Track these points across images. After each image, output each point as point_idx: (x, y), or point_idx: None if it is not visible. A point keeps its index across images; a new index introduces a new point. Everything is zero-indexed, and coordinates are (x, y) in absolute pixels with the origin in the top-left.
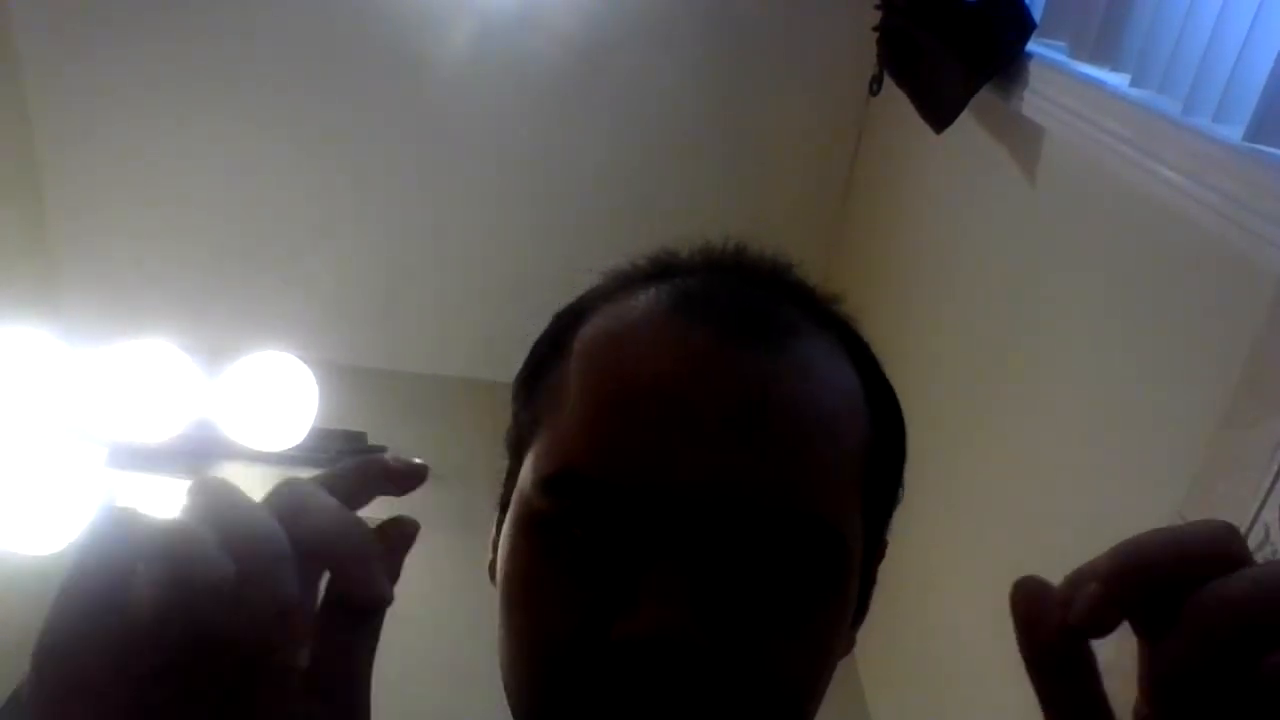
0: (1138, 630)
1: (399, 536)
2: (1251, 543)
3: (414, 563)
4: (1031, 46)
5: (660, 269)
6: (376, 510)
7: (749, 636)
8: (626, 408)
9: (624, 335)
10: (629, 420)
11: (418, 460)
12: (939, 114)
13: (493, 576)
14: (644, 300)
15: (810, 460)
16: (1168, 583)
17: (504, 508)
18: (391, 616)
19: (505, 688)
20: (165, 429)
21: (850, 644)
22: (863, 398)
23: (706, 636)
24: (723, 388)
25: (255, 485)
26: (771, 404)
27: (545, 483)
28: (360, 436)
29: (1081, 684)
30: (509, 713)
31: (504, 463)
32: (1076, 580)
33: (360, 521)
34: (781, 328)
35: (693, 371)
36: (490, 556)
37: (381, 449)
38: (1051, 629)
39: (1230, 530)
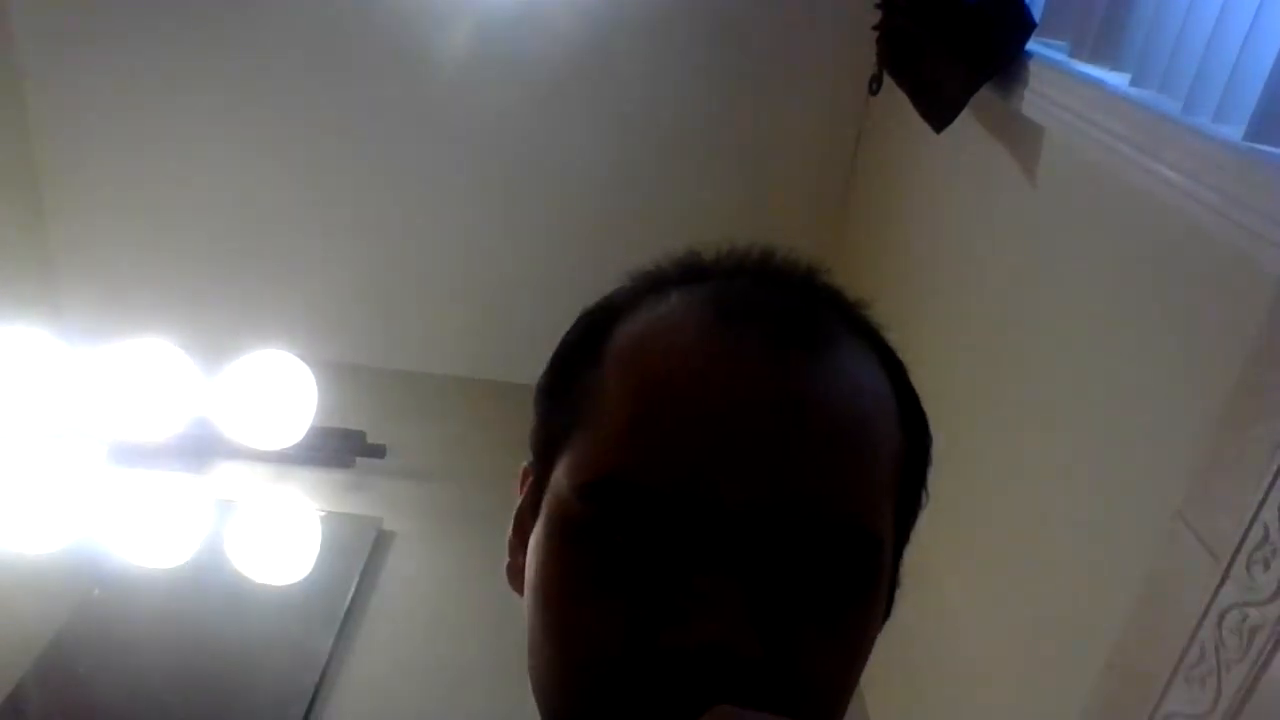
0: None
1: None
2: (1251, 543)
3: (417, 559)
4: (1031, 46)
5: (691, 272)
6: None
7: (797, 645)
8: (671, 414)
9: (664, 340)
10: (674, 426)
11: None
12: (939, 113)
13: (511, 580)
14: (681, 304)
15: (854, 467)
16: None
17: (533, 512)
18: (396, 612)
19: (538, 694)
20: (165, 428)
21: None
22: (895, 404)
23: (760, 647)
24: (768, 395)
25: (254, 483)
26: (817, 412)
27: (586, 489)
28: (359, 435)
29: None
30: (514, 713)
31: (505, 467)
32: None
33: None
34: (822, 334)
35: (738, 378)
36: (508, 560)
37: (381, 448)
38: None
39: None
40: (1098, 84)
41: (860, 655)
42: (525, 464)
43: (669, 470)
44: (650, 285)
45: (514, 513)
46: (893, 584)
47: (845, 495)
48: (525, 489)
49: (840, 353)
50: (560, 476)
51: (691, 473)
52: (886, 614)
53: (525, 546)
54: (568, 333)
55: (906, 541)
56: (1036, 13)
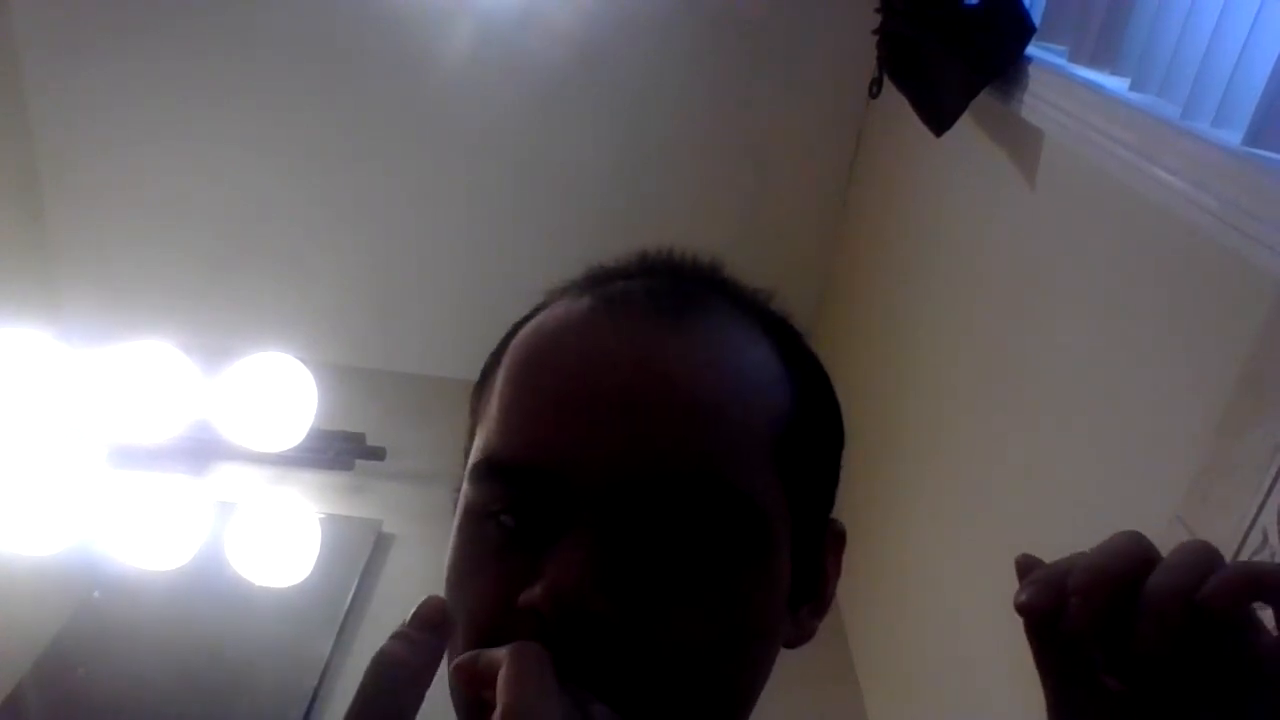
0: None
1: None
2: (1249, 547)
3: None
4: (1031, 50)
5: (593, 278)
6: (375, 510)
7: (654, 602)
8: (536, 394)
9: (541, 333)
10: (538, 405)
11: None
12: (939, 117)
13: None
14: (568, 301)
15: (711, 427)
16: (1126, 586)
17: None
18: (396, 615)
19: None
20: (165, 430)
21: (807, 633)
22: (779, 374)
23: (605, 602)
24: (622, 364)
25: (254, 485)
26: (671, 375)
27: (470, 474)
28: (359, 437)
29: (1076, 655)
30: None
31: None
32: (1057, 582)
33: None
34: (689, 306)
35: (595, 352)
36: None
37: (381, 450)
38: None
39: (1138, 535)
40: (1097, 88)
41: (743, 627)
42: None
43: (534, 447)
44: (555, 294)
45: None
46: (813, 567)
47: (700, 452)
48: None
49: (707, 322)
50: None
51: (551, 446)
52: (819, 601)
53: None
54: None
55: (821, 520)
56: (1036, 17)
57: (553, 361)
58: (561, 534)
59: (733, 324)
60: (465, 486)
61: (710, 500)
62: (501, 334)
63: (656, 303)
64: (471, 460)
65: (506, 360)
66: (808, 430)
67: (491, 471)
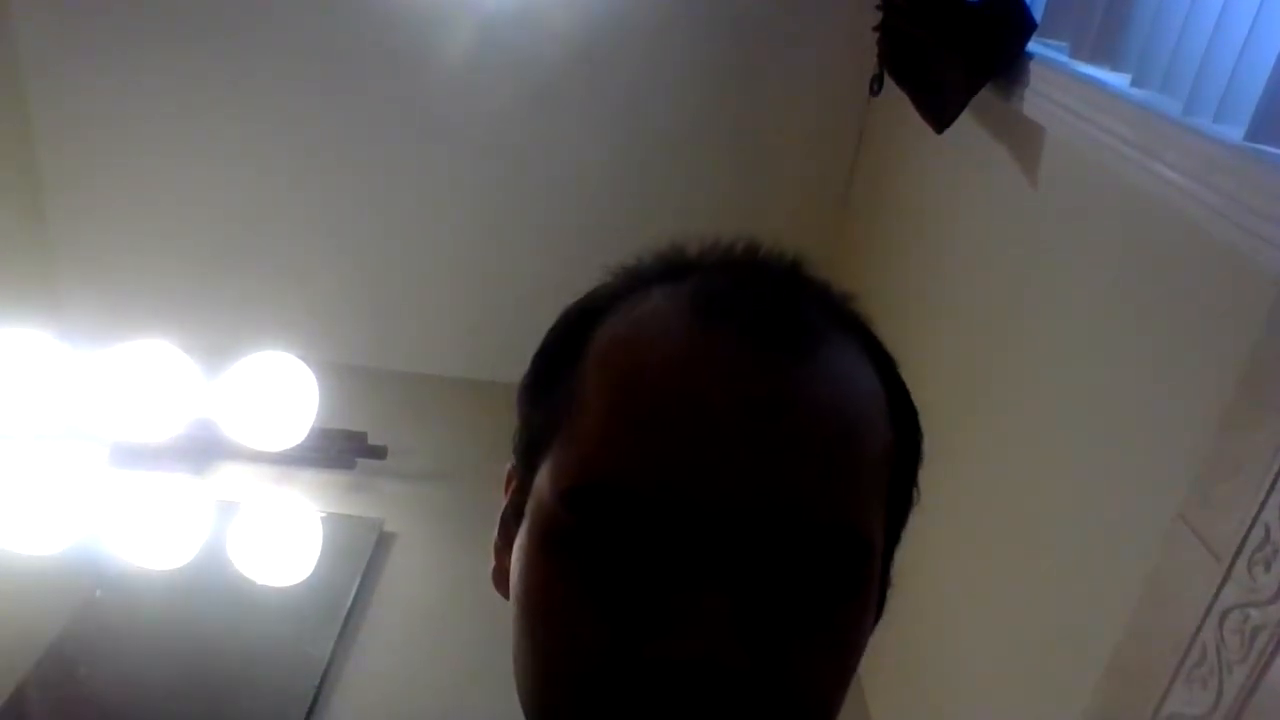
0: None
1: None
2: (1252, 544)
3: (419, 561)
4: (1032, 46)
5: (673, 267)
6: (376, 509)
7: (784, 653)
8: (654, 418)
9: (644, 341)
10: (656, 431)
11: None
12: (939, 114)
13: (497, 584)
14: (662, 303)
15: (843, 470)
16: None
17: (517, 516)
18: (397, 614)
19: (523, 702)
20: (166, 429)
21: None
22: (885, 401)
23: (747, 659)
24: (754, 397)
25: (256, 484)
26: (801, 413)
27: (568, 495)
28: (361, 436)
29: None
30: (515, 714)
31: (503, 466)
32: None
33: None
34: (807, 332)
35: (722, 380)
36: (493, 564)
37: (382, 449)
38: None
39: None
40: (1098, 84)
41: (851, 661)
42: (509, 465)
43: (650, 475)
44: (631, 282)
45: (499, 516)
46: (884, 586)
47: (832, 498)
48: (509, 491)
49: (825, 350)
50: (543, 481)
51: (675, 479)
52: (878, 616)
53: (510, 550)
54: (549, 331)
55: (898, 542)
56: (1037, 13)
57: (669, 382)
58: (682, 575)
59: (846, 349)
60: (553, 504)
61: (840, 550)
62: (506, 335)
63: (770, 321)
64: (569, 479)
65: (601, 366)
66: (907, 457)
67: (601, 497)
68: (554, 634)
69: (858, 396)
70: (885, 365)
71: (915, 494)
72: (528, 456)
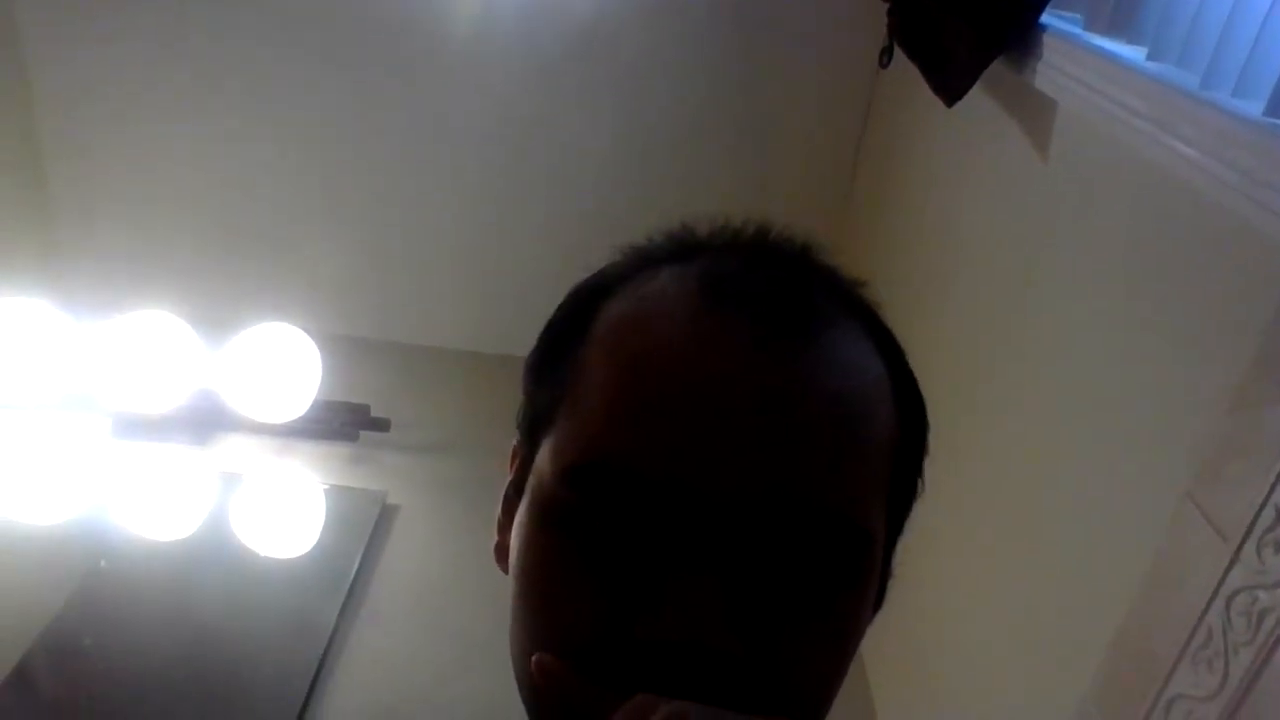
0: None
1: None
2: (1261, 525)
3: (422, 533)
4: (1046, 18)
5: (683, 247)
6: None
7: (778, 640)
8: (657, 400)
9: (652, 322)
10: (660, 413)
11: None
12: (950, 87)
13: (498, 559)
14: (671, 284)
15: (844, 459)
16: None
17: (519, 491)
18: (400, 585)
19: (517, 677)
20: (169, 401)
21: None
22: (890, 390)
23: (739, 643)
24: (760, 383)
25: (259, 456)
26: (806, 401)
27: (569, 473)
28: (364, 409)
29: None
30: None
31: (506, 440)
32: None
33: None
34: (815, 318)
35: (729, 364)
36: (495, 539)
37: (385, 422)
38: None
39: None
40: (1113, 57)
41: (847, 650)
42: (514, 441)
43: (653, 457)
44: (641, 261)
45: (502, 492)
46: (884, 576)
47: (833, 488)
48: (514, 468)
49: (832, 337)
50: (544, 457)
51: (676, 460)
52: (877, 606)
53: (512, 526)
54: (557, 309)
55: (900, 531)
56: None
57: (674, 363)
58: (677, 557)
59: (853, 337)
60: (553, 482)
61: (839, 539)
62: (509, 308)
63: (779, 305)
64: (570, 457)
65: (606, 345)
66: (911, 447)
67: (602, 475)
68: (548, 610)
69: (861, 386)
70: (893, 354)
71: (920, 485)
72: (531, 433)
